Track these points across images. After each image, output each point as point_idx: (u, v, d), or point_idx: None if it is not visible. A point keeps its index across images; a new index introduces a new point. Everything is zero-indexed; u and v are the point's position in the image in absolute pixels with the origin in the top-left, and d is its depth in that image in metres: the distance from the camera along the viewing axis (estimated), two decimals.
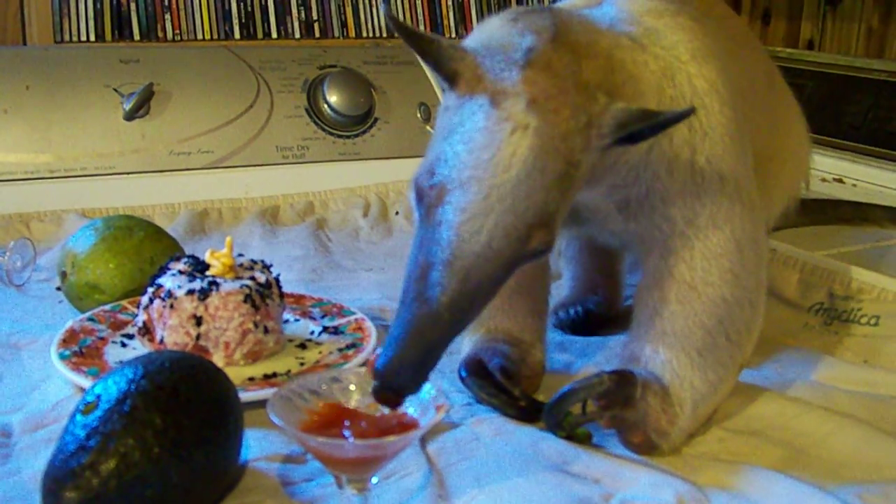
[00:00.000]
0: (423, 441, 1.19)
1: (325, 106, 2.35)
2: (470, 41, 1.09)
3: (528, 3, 2.85)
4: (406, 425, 0.99)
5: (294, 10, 2.56)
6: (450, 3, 2.74)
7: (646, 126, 1.01)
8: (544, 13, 1.07)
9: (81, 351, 1.37)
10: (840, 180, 2.42)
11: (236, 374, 1.28)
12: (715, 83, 1.19)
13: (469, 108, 1.01)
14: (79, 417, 1.01)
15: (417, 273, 0.98)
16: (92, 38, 2.33)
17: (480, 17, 2.78)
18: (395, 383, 0.95)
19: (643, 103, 1.11)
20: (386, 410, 1.01)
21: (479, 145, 0.98)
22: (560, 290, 1.67)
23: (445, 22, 2.75)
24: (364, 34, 2.63)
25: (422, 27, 2.71)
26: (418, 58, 1.08)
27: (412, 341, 0.95)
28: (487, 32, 1.08)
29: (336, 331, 1.47)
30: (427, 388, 1.02)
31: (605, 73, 1.06)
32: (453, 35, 2.75)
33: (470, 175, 0.97)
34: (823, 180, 2.41)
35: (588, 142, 1.01)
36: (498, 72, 1.01)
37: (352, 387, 1.06)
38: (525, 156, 0.97)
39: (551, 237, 1.01)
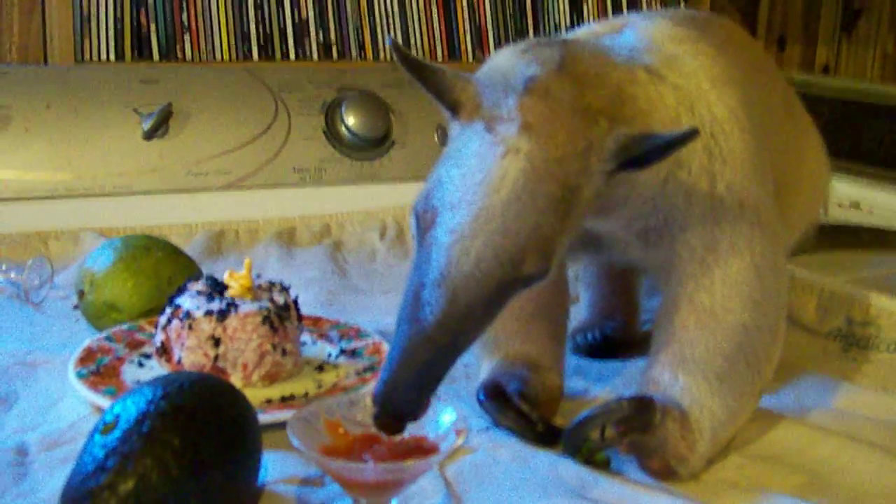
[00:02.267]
0: (442, 465, 1.19)
1: (343, 128, 2.36)
2: (479, 72, 1.10)
3: (544, 29, 2.86)
4: (426, 450, 0.99)
5: (312, 32, 2.57)
6: (467, 27, 2.75)
7: (649, 147, 1.01)
8: (555, 45, 1.08)
9: (98, 370, 1.37)
10: (857, 206, 2.41)
11: (254, 395, 1.27)
12: (735, 110, 1.19)
13: (467, 134, 1.02)
14: (97, 437, 1.01)
15: (411, 295, 0.98)
16: (112, 57, 2.34)
17: (497, 41, 2.79)
18: (392, 408, 0.95)
19: None
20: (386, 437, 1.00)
21: (472, 169, 0.99)
22: (578, 313, 1.66)
23: (463, 46, 2.75)
24: (382, 56, 2.64)
25: (439, 51, 2.72)
26: (422, 88, 1.09)
27: (406, 363, 0.95)
28: (497, 64, 1.09)
29: (353, 353, 1.47)
30: (447, 413, 1.02)
31: (612, 103, 1.06)
32: (470, 59, 2.76)
33: (460, 197, 0.98)
34: (840, 206, 2.40)
35: (587, 166, 1.01)
36: (496, 99, 1.02)
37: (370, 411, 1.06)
38: (515, 178, 0.97)
39: (547, 262, 1.00)
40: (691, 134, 1.01)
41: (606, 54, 1.13)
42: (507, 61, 1.08)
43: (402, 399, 0.95)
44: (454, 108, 1.06)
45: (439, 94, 1.07)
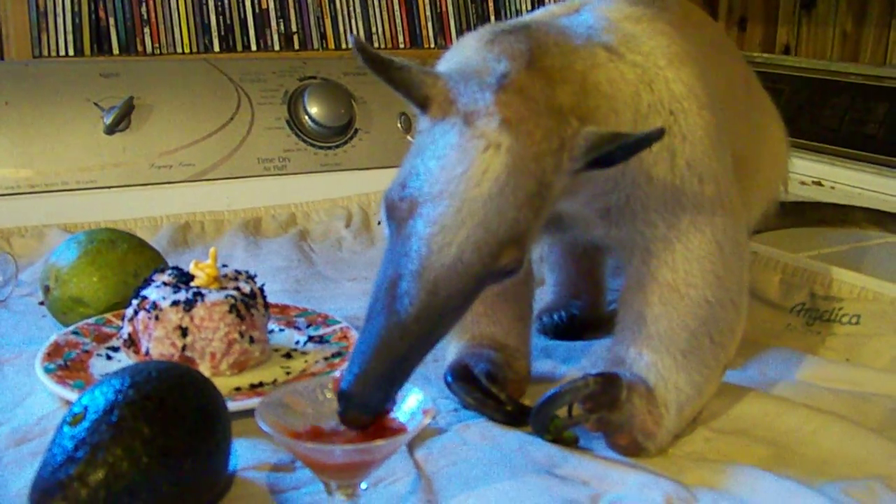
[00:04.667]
0: (411, 447, 1.20)
1: (306, 117, 2.36)
2: (444, 63, 1.11)
3: (506, 16, 2.86)
4: (394, 431, 0.99)
5: (273, 23, 2.57)
6: (429, 14, 2.75)
7: (615, 148, 1.02)
8: (521, 35, 1.08)
9: (66, 364, 1.36)
10: (819, 183, 2.44)
11: (222, 384, 1.28)
12: (693, 87, 1.20)
13: (441, 127, 1.02)
14: (66, 429, 1.01)
15: (386, 286, 0.98)
16: (71, 52, 2.32)
17: (459, 28, 2.79)
18: (362, 402, 0.95)
19: (618, 122, 1.12)
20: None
21: (452, 161, 0.99)
22: (544, 295, 1.67)
23: (424, 34, 2.75)
24: (343, 45, 2.64)
25: (400, 39, 2.72)
26: (388, 85, 1.08)
27: (379, 355, 0.96)
28: (463, 55, 1.10)
29: (321, 340, 1.47)
30: (414, 394, 1.03)
31: (579, 98, 1.07)
32: (432, 46, 2.76)
33: (442, 189, 0.98)
34: (802, 183, 2.43)
35: (560, 164, 1.02)
36: (471, 95, 1.02)
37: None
38: (498, 173, 0.98)
39: (522, 255, 1.01)
40: (658, 133, 1.02)
41: (568, 39, 1.13)
42: (475, 53, 1.08)
43: (373, 392, 0.95)
44: (423, 104, 1.06)
45: (407, 91, 1.07)
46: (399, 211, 1.00)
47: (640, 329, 1.22)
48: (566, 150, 1.02)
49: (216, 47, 2.49)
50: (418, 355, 0.99)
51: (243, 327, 1.35)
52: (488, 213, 0.97)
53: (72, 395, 1.24)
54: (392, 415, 1.01)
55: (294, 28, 2.59)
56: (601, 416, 1.18)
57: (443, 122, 1.03)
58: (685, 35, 1.25)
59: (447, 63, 1.11)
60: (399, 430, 0.99)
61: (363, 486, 1.01)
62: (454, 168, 0.98)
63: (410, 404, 1.02)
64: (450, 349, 1.38)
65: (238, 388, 1.32)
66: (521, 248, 1.01)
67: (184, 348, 1.33)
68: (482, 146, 0.99)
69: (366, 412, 0.96)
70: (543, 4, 2.87)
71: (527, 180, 0.99)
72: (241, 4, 2.52)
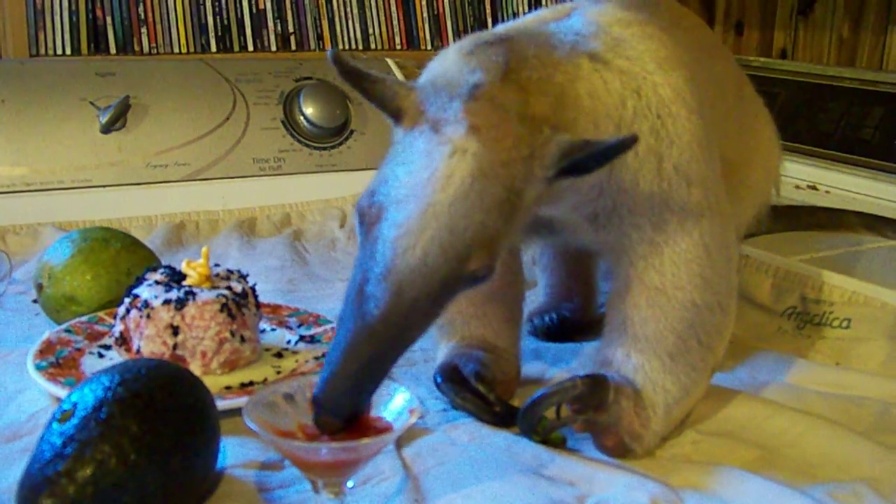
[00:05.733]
0: (400, 446, 1.20)
1: (302, 118, 2.36)
2: (426, 74, 1.11)
3: (503, 18, 2.86)
4: (379, 429, 1.00)
5: (270, 23, 2.57)
6: (426, 16, 2.76)
7: (588, 155, 1.01)
8: (500, 47, 1.08)
9: (58, 362, 1.37)
10: (814, 187, 2.44)
11: (213, 382, 1.28)
12: (682, 91, 1.20)
13: (411, 136, 1.03)
14: (55, 426, 1.02)
15: (354, 290, 0.98)
16: (68, 51, 2.33)
17: (456, 30, 2.80)
18: (332, 406, 0.95)
19: (598, 135, 1.11)
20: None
21: (419, 166, 0.99)
22: (536, 297, 1.68)
23: (421, 35, 2.76)
24: (340, 46, 2.64)
25: (398, 41, 2.72)
26: (363, 97, 1.10)
27: (349, 359, 0.96)
28: (443, 67, 1.10)
29: (312, 340, 1.48)
30: (401, 393, 1.03)
31: (555, 109, 1.07)
32: (429, 48, 2.77)
33: (406, 193, 0.98)
34: (797, 187, 2.43)
35: (530, 172, 1.02)
36: (441, 104, 1.03)
37: None
38: (463, 177, 0.98)
39: (491, 261, 1.01)
40: (630, 141, 1.01)
41: (550, 50, 1.13)
42: (452, 65, 1.09)
43: (343, 396, 0.96)
44: (397, 116, 1.07)
45: (381, 103, 1.08)
46: (368, 217, 1.01)
47: (627, 331, 1.22)
48: (536, 157, 1.02)
49: (213, 47, 2.49)
50: (388, 359, 0.99)
51: (234, 326, 1.35)
52: (454, 216, 0.97)
53: (63, 393, 1.24)
54: (378, 414, 1.02)
55: (291, 29, 2.59)
56: (589, 417, 1.19)
57: (412, 131, 1.03)
58: (675, 39, 1.25)
59: (428, 74, 1.11)
60: (385, 428, 1.00)
61: (350, 484, 1.01)
62: (420, 173, 0.99)
63: (397, 403, 1.03)
64: (440, 350, 1.39)
65: (229, 387, 1.32)
66: (490, 254, 1.00)
67: (175, 347, 1.34)
68: (448, 151, 0.99)
69: (337, 416, 0.96)
70: (541, 5, 2.88)
71: (494, 186, 0.99)
72: (238, 5, 2.53)
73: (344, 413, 0.96)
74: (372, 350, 0.96)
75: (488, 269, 1.01)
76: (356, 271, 1.00)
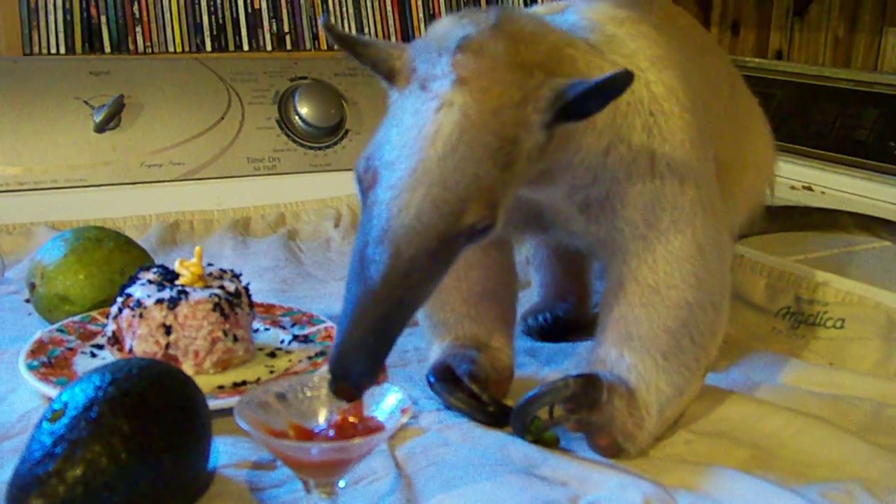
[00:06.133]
0: (392, 447, 1.20)
1: (297, 117, 2.36)
2: (415, 41, 1.11)
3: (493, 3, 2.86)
4: (371, 429, 0.99)
5: (266, 23, 2.57)
6: (421, 15, 2.76)
7: (583, 91, 1.00)
8: (492, 10, 1.08)
9: (50, 361, 1.36)
10: (809, 188, 2.44)
11: (206, 382, 1.28)
12: (674, 89, 1.20)
13: (402, 97, 1.03)
14: (45, 425, 1.01)
15: (356, 256, 0.99)
16: (62, 50, 2.32)
17: None
18: (345, 373, 0.95)
19: None
20: (345, 405, 1.00)
21: (408, 125, 1.00)
22: (530, 297, 1.68)
23: (417, 34, 2.76)
24: (335, 46, 2.63)
25: (393, 39, 2.72)
26: (357, 61, 1.11)
27: (356, 324, 0.96)
28: (434, 31, 1.10)
29: (306, 339, 1.47)
30: (393, 392, 1.03)
31: (548, 59, 1.06)
32: None
33: (398, 154, 0.99)
34: (793, 188, 2.43)
35: (524, 116, 1.01)
36: (429, 61, 1.03)
37: (320, 392, 1.06)
38: (450, 131, 0.98)
39: (491, 214, 1.00)
40: (625, 75, 1.00)
41: (545, 22, 1.13)
42: (443, 28, 1.09)
43: (356, 362, 0.95)
44: (390, 77, 1.08)
45: (374, 65, 1.09)
46: (365, 182, 1.01)
47: (620, 330, 1.22)
48: (530, 101, 1.01)
49: (208, 47, 2.49)
50: (396, 322, 0.98)
51: (227, 326, 1.35)
52: (444, 171, 0.97)
53: (54, 393, 1.24)
54: (370, 413, 1.01)
55: (286, 28, 2.59)
56: (582, 416, 1.18)
57: (405, 91, 1.03)
58: (669, 38, 1.25)
59: (418, 41, 1.11)
60: (377, 428, 0.99)
61: (342, 484, 1.01)
62: (409, 132, 0.99)
63: (389, 403, 1.03)
64: (433, 350, 1.38)
65: (221, 387, 1.32)
66: (489, 206, 1.00)
67: (167, 346, 1.33)
68: (435, 107, 0.99)
69: (350, 383, 0.96)
70: (536, 2, 2.88)
71: (485, 135, 0.99)
72: (233, 4, 2.52)
73: (356, 379, 0.95)
74: (378, 313, 0.96)
75: (488, 221, 1.00)
76: (357, 236, 1.00)
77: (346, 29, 2.66)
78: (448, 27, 1.07)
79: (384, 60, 1.07)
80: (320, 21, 1.08)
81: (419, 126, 0.99)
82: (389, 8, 2.72)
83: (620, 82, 1.00)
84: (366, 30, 2.68)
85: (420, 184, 0.97)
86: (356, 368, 0.95)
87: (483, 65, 1.01)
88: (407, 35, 2.74)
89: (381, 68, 1.08)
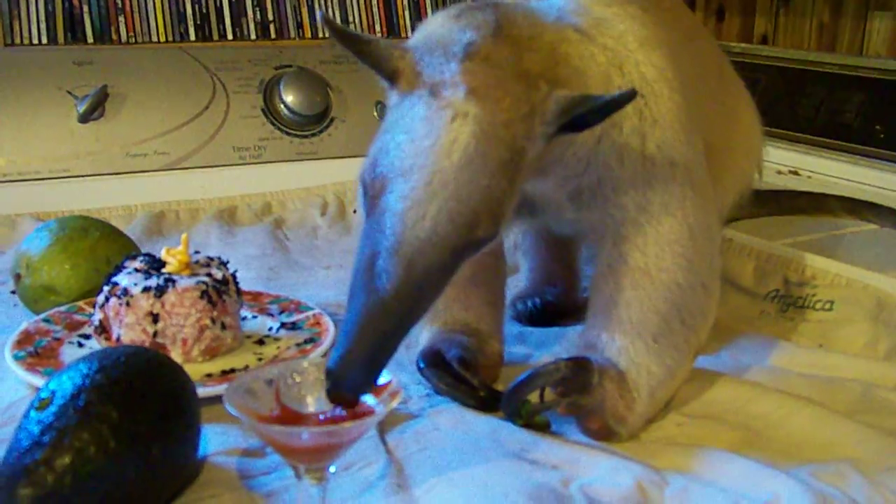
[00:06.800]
0: (383, 432, 1.20)
1: (282, 106, 2.35)
2: (413, 40, 1.10)
3: None
4: (361, 413, 0.99)
5: (250, 11, 2.55)
6: (405, 3, 2.75)
7: (588, 109, 1.01)
8: (487, 9, 1.08)
9: (37, 351, 1.35)
10: (796, 172, 2.44)
11: (194, 370, 1.27)
12: (664, 71, 1.19)
13: (409, 101, 1.02)
14: (33, 414, 1.00)
15: (364, 264, 0.97)
16: (44, 40, 2.30)
17: None
18: (347, 381, 0.94)
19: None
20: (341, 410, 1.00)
21: (420, 134, 0.99)
22: (518, 282, 1.67)
23: (401, 22, 2.74)
24: (320, 34, 2.62)
25: (378, 27, 2.71)
26: (357, 59, 1.09)
27: (362, 334, 0.95)
28: (430, 30, 1.09)
29: (294, 326, 1.47)
30: (382, 377, 1.02)
31: (549, 65, 1.07)
32: (409, 34, 2.75)
33: (412, 163, 0.97)
34: (779, 172, 2.43)
35: (531, 129, 1.02)
36: (437, 66, 1.02)
37: (309, 378, 1.05)
38: (466, 142, 0.97)
39: (498, 224, 1.01)
40: (630, 95, 1.01)
41: (537, 16, 1.13)
42: (441, 27, 1.08)
43: (358, 372, 0.94)
44: (392, 78, 1.06)
45: (376, 65, 1.07)
46: (372, 189, 1.00)
47: (611, 313, 1.22)
48: (537, 114, 1.02)
49: (192, 36, 2.47)
50: (401, 332, 0.98)
51: (215, 313, 1.34)
52: (460, 183, 0.97)
53: (41, 382, 1.23)
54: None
55: (270, 17, 2.57)
56: (573, 400, 1.18)
57: (411, 95, 1.03)
58: (657, 20, 1.25)
59: (418, 36, 1.10)
60: (367, 412, 0.99)
61: (332, 469, 1.00)
62: (422, 141, 0.98)
63: (379, 388, 1.02)
64: (422, 335, 1.38)
65: (210, 375, 1.31)
66: (496, 217, 1.00)
67: (155, 334, 1.33)
68: (449, 116, 0.98)
69: (350, 391, 0.95)
70: None
71: (497, 148, 0.99)
72: None
73: (358, 388, 0.95)
74: (386, 325, 0.95)
75: (494, 232, 1.01)
76: (363, 245, 0.99)
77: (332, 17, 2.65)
78: (447, 27, 1.06)
79: (387, 60, 1.06)
80: (318, 16, 1.07)
81: (433, 136, 0.98)
82: None
83: (623, 101, 1.02)
84: (350, 18, 2.67)
85: (436, 196, 0.96)
86: (357, 378, 0.95)
87: (492, 75, 1.01)
88: (391, 21, 2.72)
89: (383, 68, 1.06)
